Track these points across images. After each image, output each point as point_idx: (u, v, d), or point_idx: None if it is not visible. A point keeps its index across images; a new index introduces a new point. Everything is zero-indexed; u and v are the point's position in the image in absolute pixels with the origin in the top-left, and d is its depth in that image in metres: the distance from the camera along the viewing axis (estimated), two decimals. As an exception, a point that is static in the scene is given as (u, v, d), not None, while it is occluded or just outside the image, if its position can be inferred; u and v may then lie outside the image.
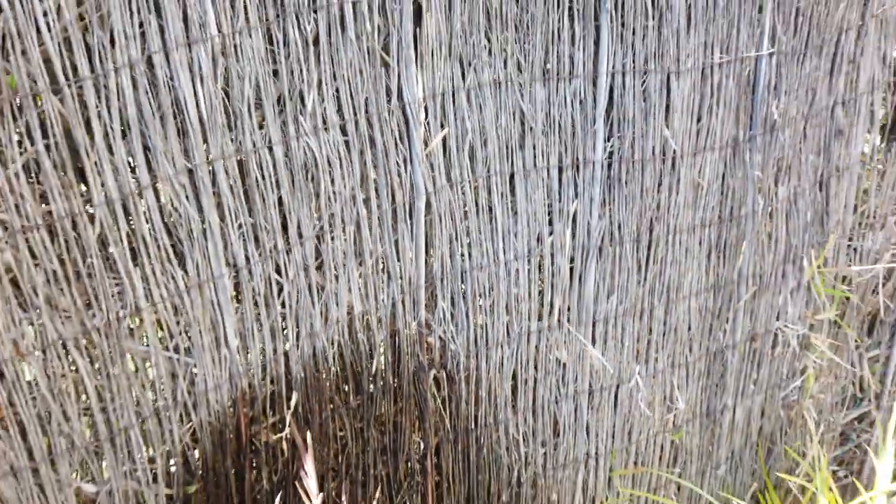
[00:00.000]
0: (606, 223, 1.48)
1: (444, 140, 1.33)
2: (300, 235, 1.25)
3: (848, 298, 1.87)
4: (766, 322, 1.73)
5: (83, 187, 1.05)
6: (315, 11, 1.16)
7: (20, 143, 0.99)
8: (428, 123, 1.31)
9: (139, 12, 1.02)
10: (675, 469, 1.71)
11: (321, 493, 1.19)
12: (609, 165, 1.44)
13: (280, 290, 1.26)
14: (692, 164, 1.51)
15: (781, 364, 1.79)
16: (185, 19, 1.07)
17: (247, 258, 1.21)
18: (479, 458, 1.51)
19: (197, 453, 1.24)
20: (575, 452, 1.59)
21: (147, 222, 1.10)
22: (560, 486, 1.60)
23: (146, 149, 1.09)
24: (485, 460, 1.51)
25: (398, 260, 1.35)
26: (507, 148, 1.38)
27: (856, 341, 1.96)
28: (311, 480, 1.06)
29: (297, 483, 1.18)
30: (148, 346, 1.16)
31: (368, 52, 1.22)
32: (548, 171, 1.42)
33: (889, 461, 1.65)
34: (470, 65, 1.31)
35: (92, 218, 1.06)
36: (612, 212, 1.47)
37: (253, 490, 1.30)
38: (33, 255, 1.03)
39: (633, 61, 1.40)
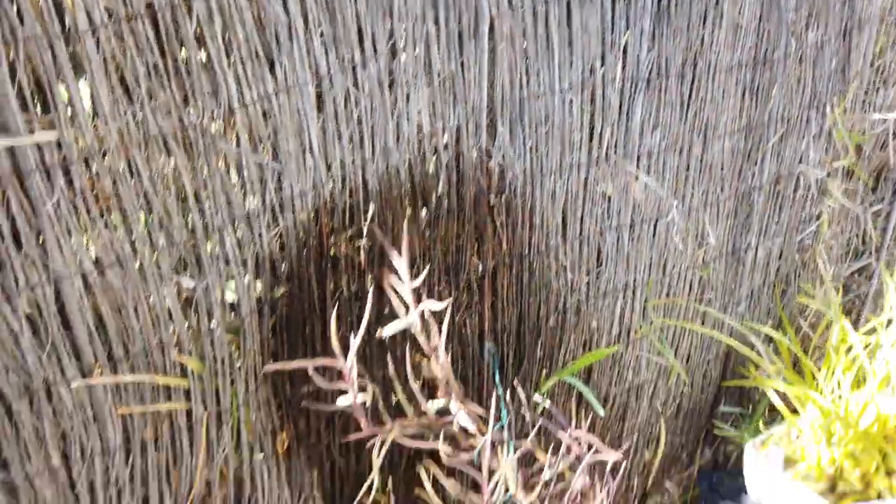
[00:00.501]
0: (654, 56, 1.54)
1: (508, -37, 1.36)
2: (375, 50, 1.28)
3: (860, 149, 1.98)
4: (790, 165, 1.83)
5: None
6: None
7: (125, -76, 1.00)
8: (494, -56, 1.33)
9: None
10: (703, 299, 1.84)
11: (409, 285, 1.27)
12: (660, -3, 1.49)
13: (357, 104, 1.30)
14: (734, 1, 1.57)
15: (801, 208, 1.91)
16: None
17: (328, 69, 1.24)
18: (531, 283, 1.60)
19: (283, 259, 1.31)
20: (615, 282, 1.70)
21: (239, 21, 1.13)
22: (600, 315, 1.72)
23: (238, -56, 1.10)
24: (536, 285, 1.61)
25: (463, 82, 1.39)
26: (565, -25, 1.42)
27: (861, 196, 2.09)
28: (403, 264, 1.14)
29: (381, 278, 1.25)
30: (239, 148, 1.20)
31: None
32: (601, 0, 1.46)
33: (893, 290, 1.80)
34: None
35: (190, 10, 1.09)
36: (660, 45, 1.53)
37: (333, 296, 1.37)
38: (137, 46, 1.06)
39: None
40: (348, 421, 1.53)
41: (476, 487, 1.45)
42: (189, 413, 1.29)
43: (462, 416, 1.33)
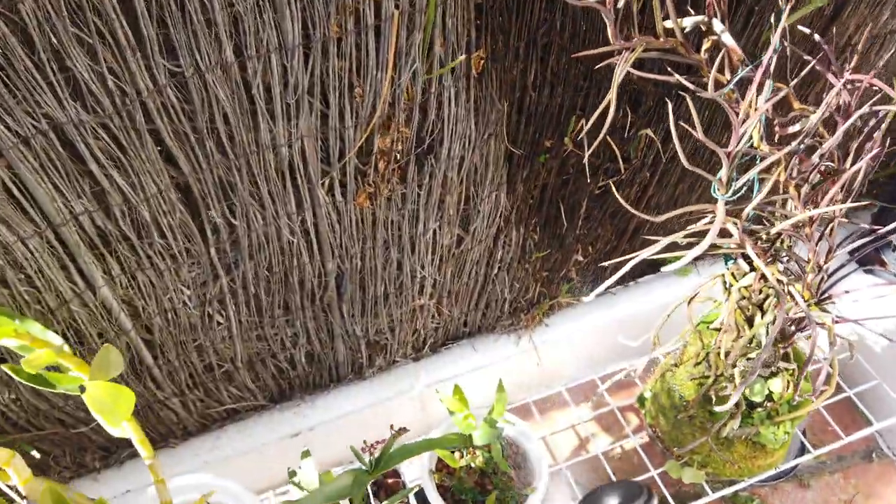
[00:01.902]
0: None
1: None
2: None
3: None
4: None
5: None
6: None
7: None
8: None
9: None
10: None
11: None
12: None
13: None
14: None
15: None
16: None
17: None
18: None
19: None
20: None
21: None
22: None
23: None
24: None
25: None
26: None
27: None
28: None
29: None
30: None
31: None
32: None
33: None
34: None
35: None
36: None
37: None
38: None
39: None
40: (550, 42, 1.23)
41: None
42: (378, 8, 1.00)
43: (727, 37, 1.01)
